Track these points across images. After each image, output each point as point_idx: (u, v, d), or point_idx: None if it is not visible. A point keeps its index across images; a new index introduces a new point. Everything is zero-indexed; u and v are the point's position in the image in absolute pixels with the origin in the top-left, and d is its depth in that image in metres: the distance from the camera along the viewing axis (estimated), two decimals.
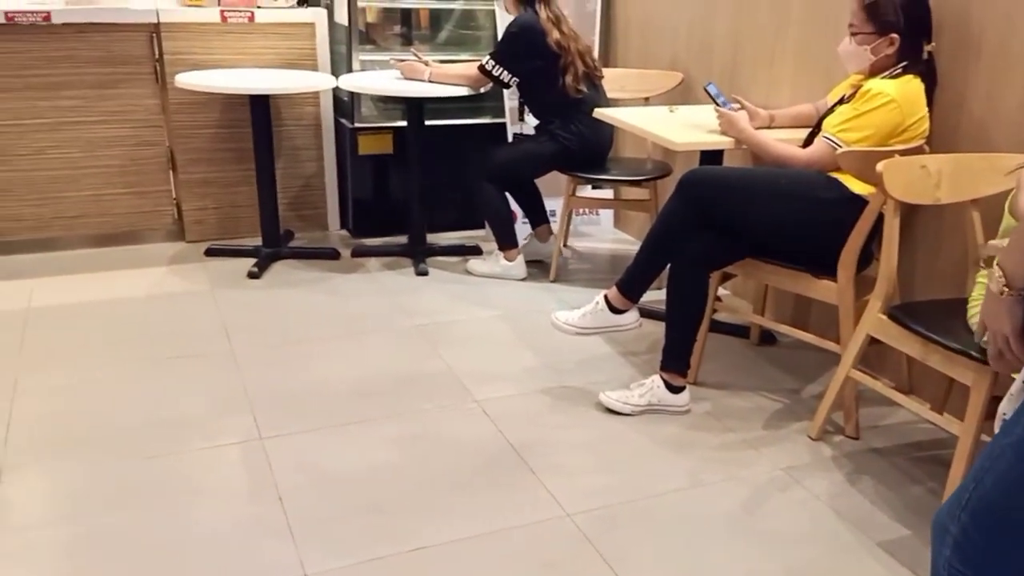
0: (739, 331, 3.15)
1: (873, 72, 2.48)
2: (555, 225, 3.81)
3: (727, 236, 2.56)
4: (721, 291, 3.31)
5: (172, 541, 1.96)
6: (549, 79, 3.43)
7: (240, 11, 3.77)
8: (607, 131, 3.49)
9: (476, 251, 3.87)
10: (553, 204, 3.88)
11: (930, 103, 2.43)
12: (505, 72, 3.45)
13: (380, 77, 3.68)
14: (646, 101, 3.68)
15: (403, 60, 3.68)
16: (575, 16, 3.87)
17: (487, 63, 3.45)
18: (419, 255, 3.75)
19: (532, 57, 3.42)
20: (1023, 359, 1.27)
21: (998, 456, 1.16)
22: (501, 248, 3.62)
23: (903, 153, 2.31)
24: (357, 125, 3.95)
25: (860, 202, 2.38)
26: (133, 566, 1.88)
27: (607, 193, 4.11)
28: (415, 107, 3.63)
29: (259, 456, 2.30)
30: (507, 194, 3.64)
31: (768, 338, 3.11)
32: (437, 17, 4.51)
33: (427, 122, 3.75)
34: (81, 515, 2.04)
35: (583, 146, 3.49)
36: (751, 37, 3.31)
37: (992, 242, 1.92)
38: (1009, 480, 1.14)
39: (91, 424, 2.43)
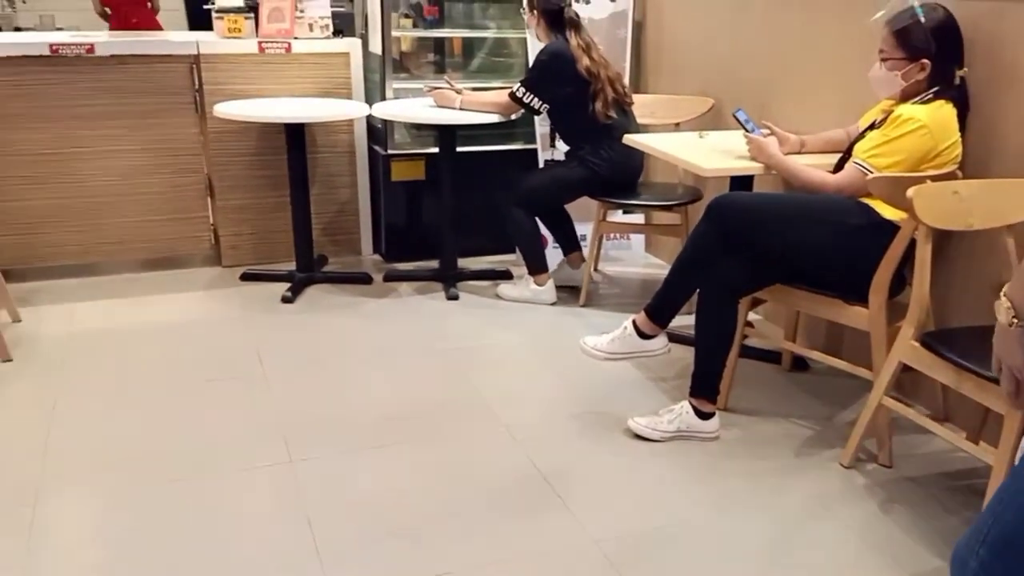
0: (770, 357, 3.12)
1: (904, 97, 2.47)
2: (586, 251, 3.82)
3: (756, 261, 2.55)
4: (753, 316, 3.29)
5: (203, 564, 1.99)
6: (579, 105, 3.46)
7: (278, 42, 3.86)
8: (637, 156, 3.51)
9: (507, 276, 3.89)
10: (584, 229, 3.89)
11: (963, 128, 2.41)
12: (535, 99, 3.49)
13: (412, 105, 3.74)
14: (676, 127, 3.69)
15: (435, 88, 3.73)
16: (606, 42, 3.91)
17: (517, 90, 3.49)
18: (450, 280, 3.78)
19: (562, 84, 3.45)
20: None
21: (1018, 491, 1.14)
22: (531, 273, 3.64)
23: (935, 179, 2.29)
24: (390, 152, 4.00)
25: (891, 228, 2.36)
26: None
27: (638, 218, 4.12)
28: (447, 134, 3.67)
29: (290, 479, 2.33)
30: (537, 220, 3.67)
31: (800, 364, 3.08)
32: (470, 45, 4.58)
33: (459, 148, 3.79)
34: (115, 537, 2.08)
35: (613, 171, 3.50)
36: (782, 63, 3.31)
37: None
38: None
39: (127, 447, 2.48)
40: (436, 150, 3.85)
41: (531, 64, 3.58)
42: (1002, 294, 1.26)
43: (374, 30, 4.02)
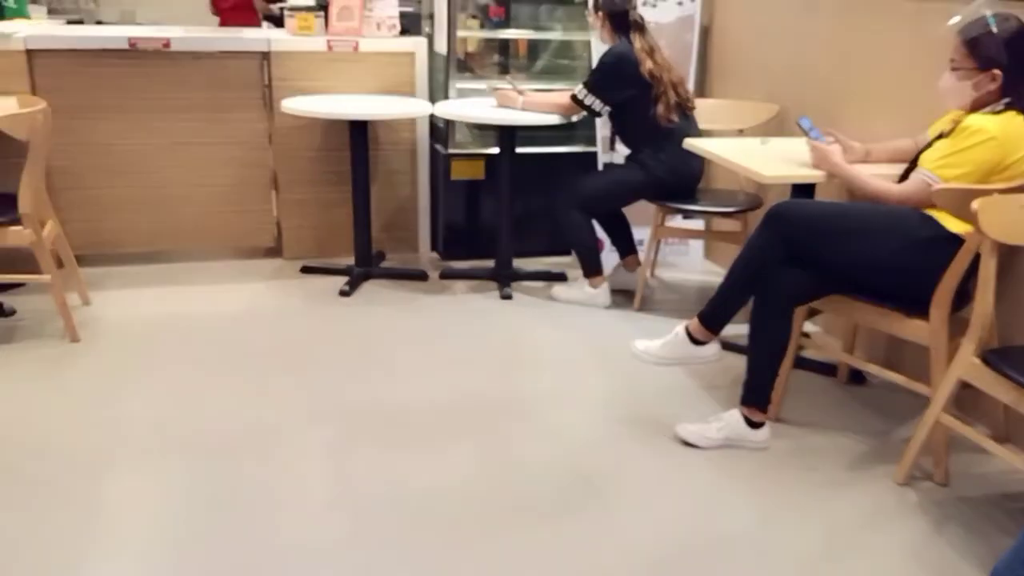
0: (827, 369, 3.06)
1: (974, 108, 2.41)
2: (643, 255, 3.80)
3: (814, 271, 2.50)
4: (811, 327, 3.24)
5: (250, 546, 2.04)
6: (641, 108, 3.44)
7: (346, 40, 3.93)
8: (698, 162, 3.48)
9: (561, 277, 3.90)
10: (641, 234, 3.87)
11: None
12: (597, 101, 3.48)
13: (474, 105, 3.77)
14: (740, 133, 3.65)
15: (498, 88, 3.76)
16: (673, 47, 3.89)
17: (579, 92, 3.49)
18: (505, 279, 3.80)
19: (624, 86, 3.44)
20: None
21: None
22: (586, 275, 3.64)
23: (1003, 191, 2.22)
24: (451, 151, 4.05)
25: (957, 241, 2.30)
26: (211, 569, 1.96)
27: (697, 224, 4.08)
28: (507, 134, 3.70)
29: (338, 470, 2.37)
30: (594, 222, 3.67)
31: (857, 378, 3.02)
32: (534, 47, 4.60)
33: (519, 149, 3.82)
34: (168, 514, 2.15)
35: (673, 176, 3.48)
36: (850, 70, 3.25)
37: None
38: None
39: (184, 429, 2.55)
40: (496, 150, 3.88)
41: (594, 66, 3.58)
42: None
43: (440, 30, 4.07)
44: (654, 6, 3.97)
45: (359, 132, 3.72)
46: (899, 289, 2.44)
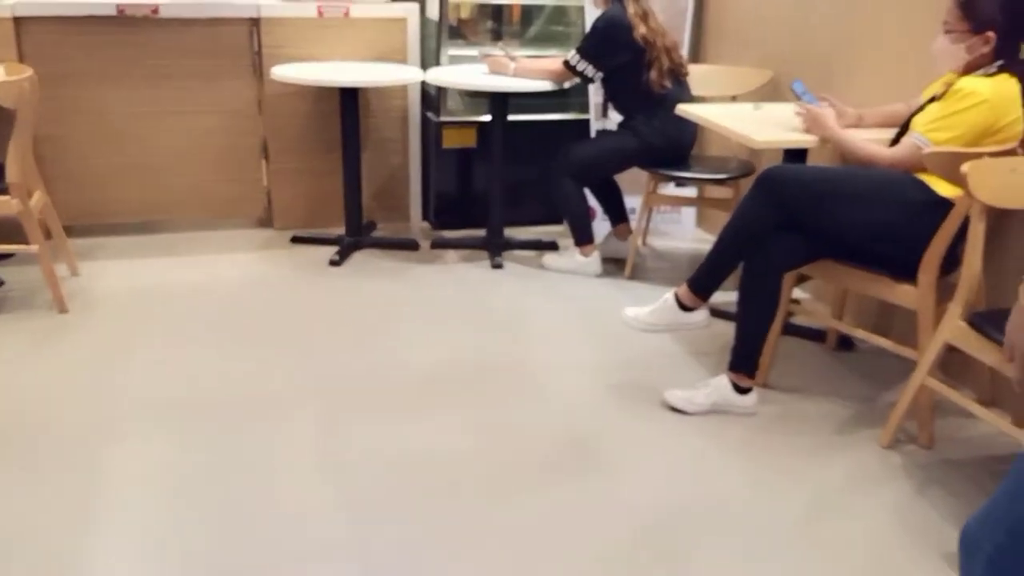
0: (815, 335, 3.06)
1: (967, 70, 2.38)
2: (634, 223, 3.79)
3: (804, 236, 2.49)
4: (800, 294, 3.23)
5: (243, 514, 2.05)
6: (634, 74, 3.41)
7: (336, 5, 3.88)
8: (690, 128, 3.45)
9: (553, 246, 3.88)
10: (633, 202, 3.85)
11: None
12: (590, 67, 3.45)
13: (465, 72, 3.73)
14: (733, 99, 3.62)
15: (489, 55, 3.72)
16: (666, 11, 3.84)
17: (572, 58, 3.45)
18: (496, 248, 3.79)
19: (617, 52, 3.40)
20: None
21: None
22: (577, 244, 3.62)
23: (994, 155, 2.20)
24: (443, 119, 4.01)
25: (947, 205, 2.29)
26: (208, 535, 1.97)
27: (690, 191, 4.06)
28: (499, 101, 3.66)
29: (331, 437, 2.38)
30: (586, 191, 3.65)
31: (846, 344, 3.01)
32: (527, 13, 4.54)
33: (511, 117, 3.78)
34: (164, 487, 2.15)
35: (665, 142, 3.46)
36: (844, 34, 3.22)
37: None
38: None
39: (177, 400, 2.55)
40: (488, 118, 3.85)
41: (587, 32, 3.55)
42: None
43: None
44: None
45: (350, 100, 3.68)
46: (889, 253, 2.43)
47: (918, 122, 2.42)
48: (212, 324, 3.06)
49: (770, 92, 3.56)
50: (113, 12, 3.64)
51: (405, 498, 2.12)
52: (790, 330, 2.98)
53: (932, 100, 2.46)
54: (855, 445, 2.40)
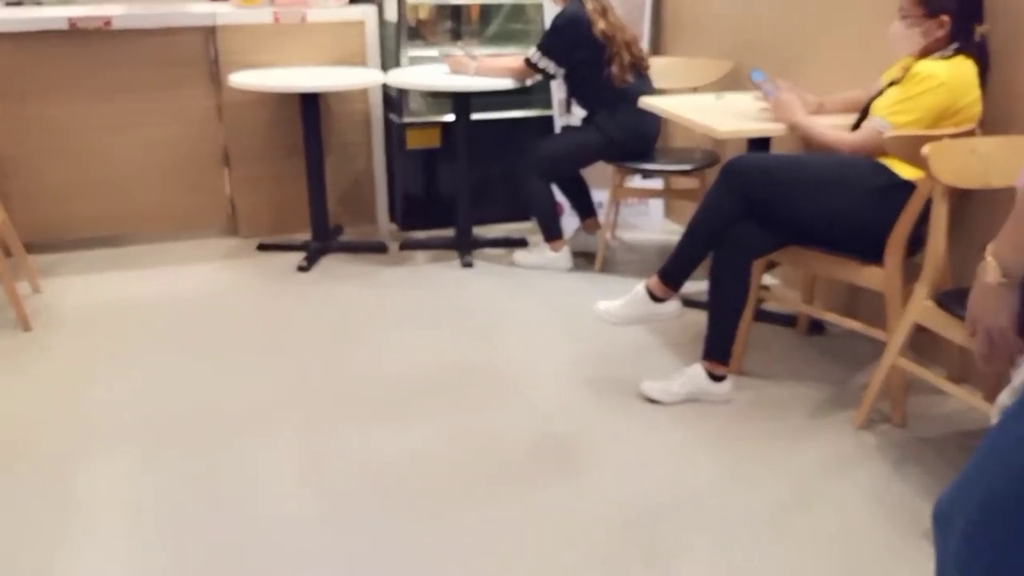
0: (786, 321, 3.09)
1: (924, 54, 2.42)
2: (602, 217, 3.80)
3: (771, 224, 2.52)
4: (769, 280, 3.27)
5: (226, 528, 2.02)
6: (595, 70, 3.42)
7: (292, 11, 3.85)
8: (654, 121, 3.47)
9: (522, 243, 3.88)
10: (600, 196, 3.86)
11: (983, 86, 2.36)
12: (551, 64, 3.45)
13: (427, 72, 3.72)
14: (694, 91, 3.64)
15: (450, 55, 3.71)
16: (624, 5, 3.85)
17: (533, 55, 3.46)
18: (465, 248, 3.78)
19: (578, 48, 3.41)
20: (1020, 349, 1.23)
21: (1009, 448, 1.12)
22: (547, 240, 3.63)
23: (953, 136, 2.24)
24: (406, 120, 3.99)
25: (909, 188, 2.32)
26: (188, 550, 1.94)
27: (656, 183, 4.08)
28: (462, 101, 3.65)
29: (306, 446, 2.36)
30: (553, 186, 3.65)
31: (817, 328, 3.05)
32: (486, 12, 4.54)
33: (474, 116, 3.78)
34: (140, 502, 2.12)
35: (630, 136, 3.47)
36: (801, 22, 3.25)
37: None
38: None
39: (147, 416, 2.51)
40: (451, 118, 3.84)
41: (547, 29, 3.55)
42: (988, 254, 1.24)
43: None
44: None
45: (310, 105, 3.65)
46: (854, 238, 2.47)
47: (878, 106, 2.45)
48: (181, 336, 3.01)
49: (731, 82, 3.59)
50: (65, 26, 3.58)
51: (387, 505, 2.10)
52: (761, 316, 3.00)
53: (891, 84, 2.49)
54: (830, 428, 2.43)
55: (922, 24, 2.38)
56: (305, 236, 3.86)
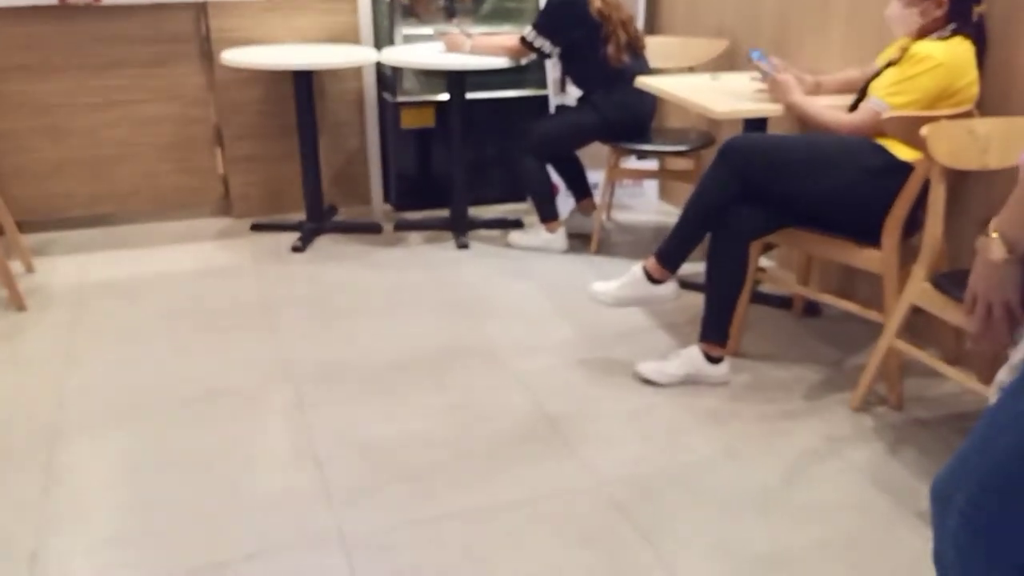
0: (782, 303, 3.09)
1: (921, 34, 2.41)
2: (598, 198, 3.79)
3: (768, 205, 2.51)
4: (765, 262, 3.26)
5: (217, 506, 2.02)
6: (591, 49, 3.40)
7: None
8: (650, 101, 3.45)
9: (518, 224, 3.87)
10: (596, 177, 3.85)
11: (980, 66, 2.35)
12: (546, 43, 3.43)
13: (421, 51, 3.69)
14: (691, 70, 3.63)
15: (445, 33, 3.68)
16: None
17: (528, 34, 3.43)
18: (460, 228, 3.76)
19: (573, 27, 3.39)
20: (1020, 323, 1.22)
21: (1008, 425, 1.12)
22: (542, 221, 3.61)
23: (951, 117, 2.23)
24: (400, 99, 3.96)
25: (907, 169, 2.32)
26: (180, 529, 1.94)
27: (652, 164, 4.07)
28: (456, 80, 3.63)
29: (300, 424, 2.35)
30: (549, 167, 3.63)
31: (813, 309, 3.05)
32: None
33: (469, 95, 3.75)
34: (132, 480, 2.11)
35: (625, 116, 3.45)
36: (799, 1, 3.23)
37: None
38: None
39: (141, 394, 2.51)
40: (446, 97, 3.81)
41: (542, 7, 3.52)
42: (991, 231, 1.23)
43: None
44: None
45: (304, 83, 3.62)
46: (852, 219, 2.46)
47: (876, 87, 2.44)
48: (175, 316, 3.00)
49: (727, 61, 3.57)
50: (55, 2, 3.52)
51: (383, 483, 2.10)
52: (757, 298, 3.01)
53: (889, 65, 2.48)
54: (826, 409, 2.44)
55: (920, 4, 2.37)
56: (299, 216, 3.83)
